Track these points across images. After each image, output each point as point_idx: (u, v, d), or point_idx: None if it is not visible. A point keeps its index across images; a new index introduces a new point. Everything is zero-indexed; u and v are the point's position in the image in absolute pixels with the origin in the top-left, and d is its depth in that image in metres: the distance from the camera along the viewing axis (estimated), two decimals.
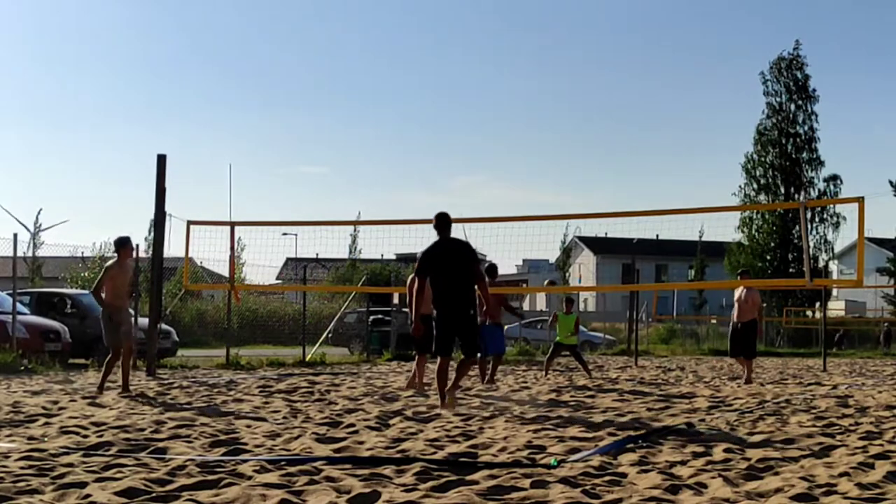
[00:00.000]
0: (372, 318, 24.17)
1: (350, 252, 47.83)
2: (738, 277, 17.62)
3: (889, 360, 26.33)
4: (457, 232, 9.80)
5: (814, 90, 40.87)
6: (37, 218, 37.13)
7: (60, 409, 8.67)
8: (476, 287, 9.16)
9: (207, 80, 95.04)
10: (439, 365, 9.17)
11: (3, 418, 7.82)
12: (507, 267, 47.89)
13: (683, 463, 5.76)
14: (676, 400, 10.57)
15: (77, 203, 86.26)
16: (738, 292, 15.16)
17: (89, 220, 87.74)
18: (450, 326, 9.10)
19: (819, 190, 40.25)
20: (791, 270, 38.37)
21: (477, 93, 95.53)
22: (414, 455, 5.91)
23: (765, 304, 15.38)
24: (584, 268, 58.85)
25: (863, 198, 12.47)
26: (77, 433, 6.85)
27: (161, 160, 14.54)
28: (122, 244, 11.06)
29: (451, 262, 9.04)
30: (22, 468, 5.24)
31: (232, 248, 15.52)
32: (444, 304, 9.09)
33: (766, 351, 31.55)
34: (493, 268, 13.34)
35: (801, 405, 9.99)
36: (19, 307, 15.95)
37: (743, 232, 40.26)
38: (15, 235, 16.39)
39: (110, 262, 11.06)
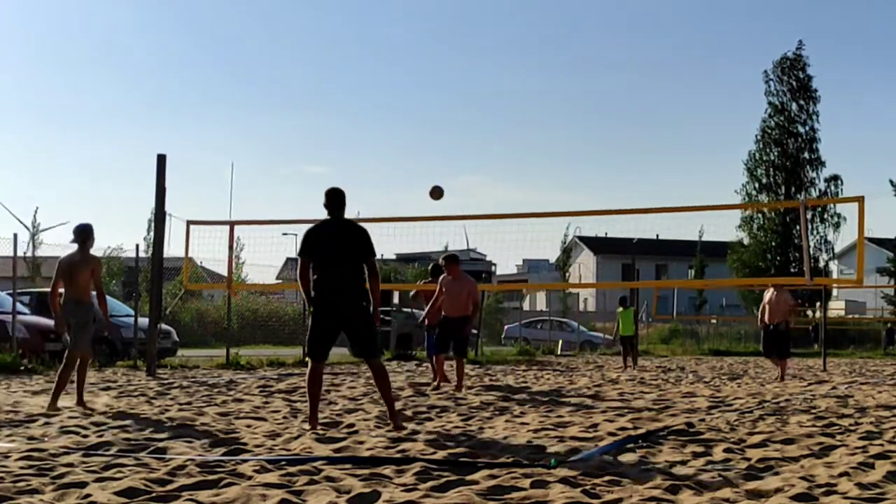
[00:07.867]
0: None
1: None
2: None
3: (889, 360, 26.32)
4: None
5: (815, 90, 40.90)
6: (34, 217, 36.96)
7: (61, 408, 8.67)
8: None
9: (208, 80, 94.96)
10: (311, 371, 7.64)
11: (3, 418, 7.82)
12: (507, 267, 47.92)
13: (683, 463, 5.76)
14: (676, 400, 10.58)
15: (77, 203, 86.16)
16: (768, 294, 15.32)
17: (89, 219, 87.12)
18: (332, 323, 7.63)
19: (820, 190, 40.26)
20: (792, 269, 38.39)
21: (478, 92, 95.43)
22: (414, 455, 5.91)
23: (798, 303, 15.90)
24: (584, 268, 58.78)
25: (863, 197, 12.49)
26: (77, 433, 6.85)
27: (161, 160, 14.54)
28: None
29: (340, 247, 7.32)
30: (22, 468, 5.24)
31: (231, 246, 15.53)
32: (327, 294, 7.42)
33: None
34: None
35: (800, 405, 9.99)
36: (19, 307, 15.94)
37: (744, 230, 40.29)
38: (15, 235, 16.40)
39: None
